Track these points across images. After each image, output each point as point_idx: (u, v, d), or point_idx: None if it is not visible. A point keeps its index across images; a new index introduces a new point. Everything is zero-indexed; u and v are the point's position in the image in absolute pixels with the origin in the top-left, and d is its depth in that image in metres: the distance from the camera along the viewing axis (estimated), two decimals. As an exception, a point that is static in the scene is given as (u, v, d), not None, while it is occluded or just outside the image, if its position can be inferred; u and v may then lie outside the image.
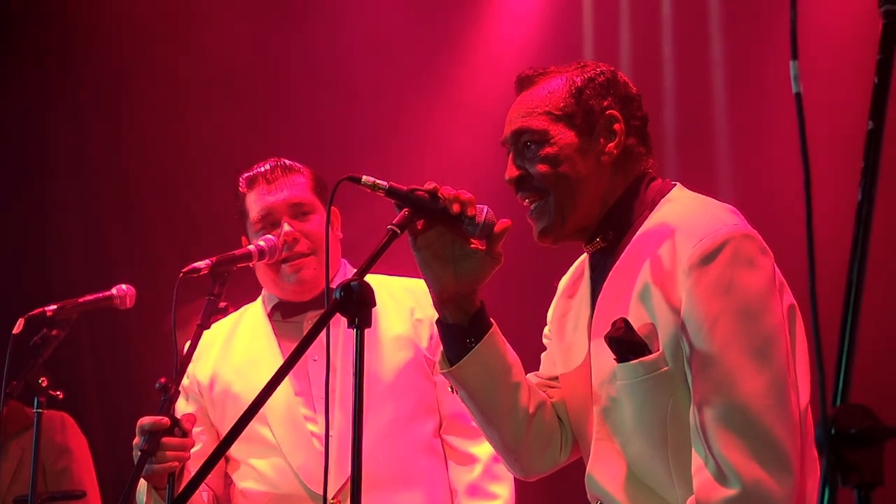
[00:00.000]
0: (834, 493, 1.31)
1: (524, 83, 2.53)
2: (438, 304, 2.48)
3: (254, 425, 3.20)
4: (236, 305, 3.58)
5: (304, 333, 2.28)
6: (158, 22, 6.47)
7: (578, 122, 2.43)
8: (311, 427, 3.25)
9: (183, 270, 3.18)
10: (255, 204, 3.37)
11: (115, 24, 6.54)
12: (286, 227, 3.30)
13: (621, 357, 2.32)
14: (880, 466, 1.30)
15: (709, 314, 2.23)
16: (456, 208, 2.36)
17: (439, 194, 2.37)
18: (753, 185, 5.62)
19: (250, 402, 2.23)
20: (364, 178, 2.36)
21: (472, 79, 6.29)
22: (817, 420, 1.34)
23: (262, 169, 3.40)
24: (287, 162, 3.44)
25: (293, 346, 2.35)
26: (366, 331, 2.98)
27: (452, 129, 6.14)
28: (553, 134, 2.43)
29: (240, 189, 3.43)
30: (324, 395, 2.89)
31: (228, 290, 3.22)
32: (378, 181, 2.36)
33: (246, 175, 3.43)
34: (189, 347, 3.16)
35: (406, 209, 2.36)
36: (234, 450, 3.31)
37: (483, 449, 3.31)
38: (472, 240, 2.41)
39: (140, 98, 6.50)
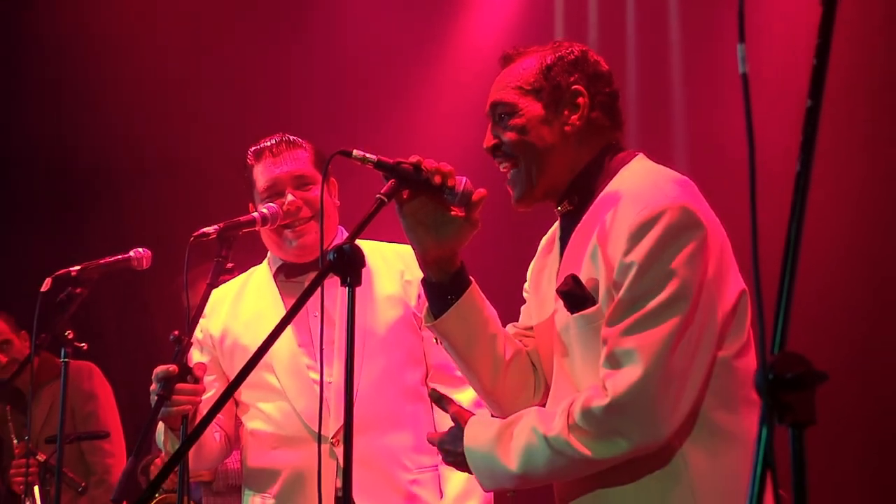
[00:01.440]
0: (771, 430, 1.33)
1: (505, 61, 2.53)
2: (423, 264, 2.50)
3: (262, 373, 3.22)
4: (243, 268, 3.59)
5: (307, 286, 2.28)
6: (169, 11, 6.47)
7: (545, 96, 2.43)
8: (312, 375, 3.24)
9: (193, 235, 3.18)
10: (261, 175, 3.36)
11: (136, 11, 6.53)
12: (289, 197, 3.29)
13: (571, 309, 2.35)
14: (812, 407, 1.31)
15: (635, 273, 2.24)
16: (437, 179, 2.37)
17: (422, 167, 2.38)
18: (707, 152, 5.66)
19: (255, 351, 2.23)
20: (355, 151, 2.37)
21: (454, 64, 6.31)
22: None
23: (269, 143, 3.38)
24: (291, 137, 3.42)
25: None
26: (361, 290, 2.99)
27: (437, 108, 6.16)
28: (521, 106, 2.43)
29: (248, 161, 3.41)
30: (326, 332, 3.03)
31: (235, 254, 3.24)
32: (367, 155, 2.37)
33: (254, 148, 3.41)
34: (199, 304, 3.17)
35: (392, 180, 2.37)
36: (244, 395, 3.33)
37: (465, 395, 3.30)
38: (452, 207, 2.42)
39: (152, 80, 6.48)
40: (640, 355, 2.19)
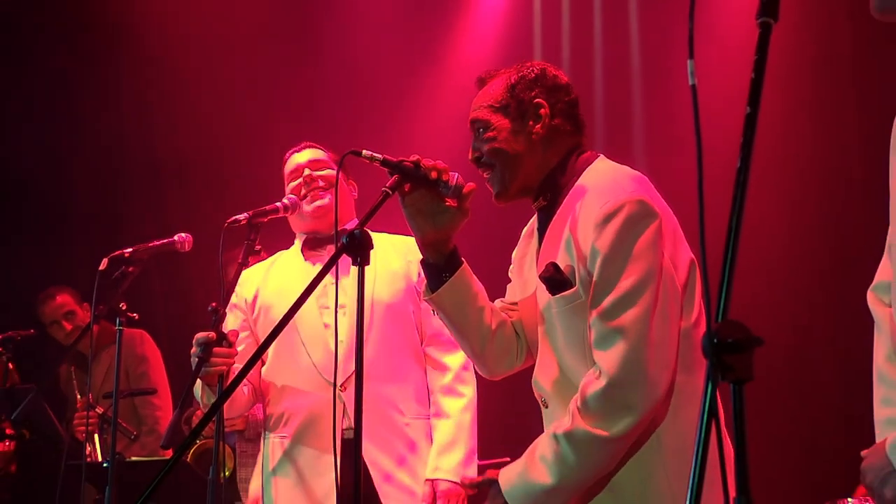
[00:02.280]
0: (715, 386, 1.33)
1: (480, 83, 2.54)
2: (422, 247, 2.50)
3: (287, 331, 3.23)
4: (269, 252, 3.61)
5: (325, 263, 2.30)
6: (201, 19, 6.46)
7: (512, 111, 2.44)
8: (327, 334, 3.27)
9: (227, 221, 3.20)
10: (288, 164, 3.49)
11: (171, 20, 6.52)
12: (306, 172, 3.40)
13: (552, 291, 2.35)
14: (750, 366, 1.31)
15: (604, 259, 2.25)
16: (434, 175, 2.38)
17: (421, 164, 2.38)
18: (662, 150, 5.67)
19: (283, 314, 2.24)
20: (364, 151, 2.38)
21: (448, 77, 6.31)
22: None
23: (300, 145, 3.54)
24: (315, 145, 3.54)
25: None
26: (372, 267, 3.08)
27: (434, 114, 6.16)
28: (493, 122, 2.44)
29: (284, 159, 3.53)
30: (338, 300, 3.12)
31: (262, 239, 3.27)
32: (374, 154, 2.38)
33: (288, 153, 3.54)
34: (232, 280, 3.21)
35: (396, 175, 2.38)
36: (270, 350, 3.34)
37: (455, 359, 3.34)
38: (446, 199, 2.42)
39: (186, 87, 6.48)
40: (624, 333, 2.21)
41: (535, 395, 2.48)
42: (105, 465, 3.57)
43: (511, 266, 2.68)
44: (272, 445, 3.33)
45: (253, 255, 3.32)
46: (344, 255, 2.28)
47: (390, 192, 2.36)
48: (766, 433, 5.12)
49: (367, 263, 2.31)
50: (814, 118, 5.53)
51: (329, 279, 3.07)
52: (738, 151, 1.43)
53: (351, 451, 2.96)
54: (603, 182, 2.37)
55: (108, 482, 3.40)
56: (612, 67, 6.17)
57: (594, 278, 2.26)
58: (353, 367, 2.90)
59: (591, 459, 2.24)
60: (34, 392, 4.35)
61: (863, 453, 1.81)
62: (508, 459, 3.62)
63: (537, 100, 2.45)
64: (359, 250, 2.27)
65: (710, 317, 1.36)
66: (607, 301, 2.24)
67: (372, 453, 3.15)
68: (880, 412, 1.87)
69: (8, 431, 4.60)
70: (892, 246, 1.87)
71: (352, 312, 3.26)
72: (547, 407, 2.43)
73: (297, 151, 3.51)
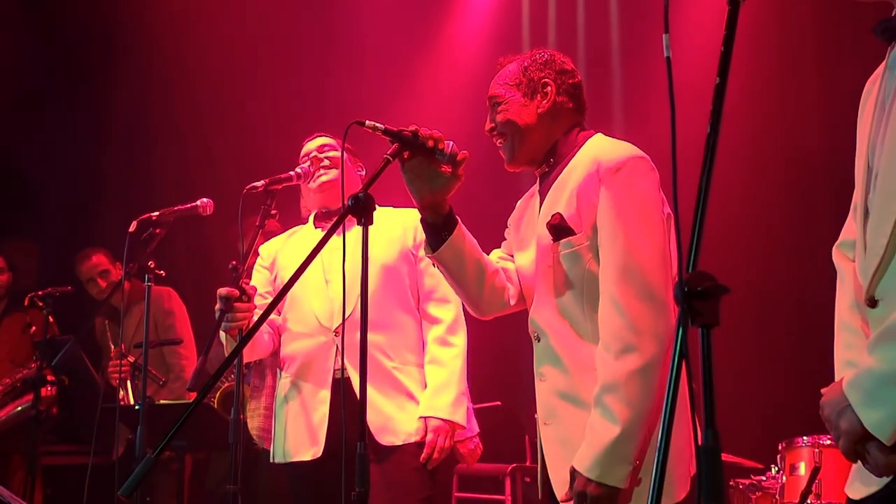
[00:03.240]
0: (685, 330, 1.34)
1: (499, 66, 2.62)
2: (421, 209, 2.50)
3: (296, 287, 3.26)
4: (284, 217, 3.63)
5: (332, 223, 2.34)
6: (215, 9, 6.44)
7: (524, 88, 2.53)
8: (328, 287, 3.31)
9: (246, 187, 3.21)
10: (302, 151, 3.50)
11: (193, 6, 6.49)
12: (314, 154, 3.44)
13: (556, 237, 2.41)
14: (717, 312, 1.32)
15: (615, 205, 2.33)
16: (430, 143, 2.38)
17: (419, 133, 2.38)
18: (640, 130, 5.66)
19: (294, 272, 2.25)
20: (367, 122, 2.38)
21: (445, 60, 6.29)
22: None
23: (315, 134, 3.56)
24: (325, 134, 3.56)
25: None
26: (374, 233, 3.09)
27: (433, 91, 6.15)
28: (507, 97, 2.53)
29: (302, 143, 3.55)
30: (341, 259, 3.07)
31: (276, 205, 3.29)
32: (377, 124, 2.38)
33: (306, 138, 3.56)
34: (250, 241, 3.22)
35: (396, 144, 2.38)
36: (285, 304, 3.42)
37: (447, 313, 3.37)
38: (442, 165, 2.42)
39: (209, 68, 6.46)
40: (638, 272, 2.27)
41: (530, 330, 2.52)
42: (136, 407, 3.59)
43: (507, 228, 2.72)
44: (282, 383, 3.39)
45: (269, 219, 3.34)
46: (350, 217, 2.30)
47: (391, 159, 2.37)
48: (730, 376, 5.15)
49: (371, 223, 2.32)
50: (777, 79, 5.52)
51: (337, 242, 3.11)
52: (709, 118, 1.43)
53: (340, 387, 3.12)
54: (605, 147, 2.46)
55: (139, 422, 3.42)
56: (592, 52, 6.16)
57: (604, 223, 2.33)
58: (346, 314, 3.02)
59: (641, 388, 2.22)
60: (72, 342, 4.37)
61: (822, 390, 1.80)
62: (500, 403, 3.64)
63: (546, 80, 2.53)
64: (363, 211, 2.29)
65: (681, 267, 1.37)
66: (621, 244, 2.30)
67: (364, 391, 3.15)
68: (841, 354, 1.87)
69: (49, 378, 4.60)
70: (856, 207, 1.85)
71: (350, 269, 3.28)
72: (539, 341, 2.47)
73: (310, 140, 3.54)
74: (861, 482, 1.77)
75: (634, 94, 5.93)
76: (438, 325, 3.36)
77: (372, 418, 3.13)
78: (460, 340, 3.36)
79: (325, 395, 3.21)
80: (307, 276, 3.27)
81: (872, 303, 1.75)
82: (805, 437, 4.11)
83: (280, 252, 3.52)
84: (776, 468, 4.22)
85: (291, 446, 3.29)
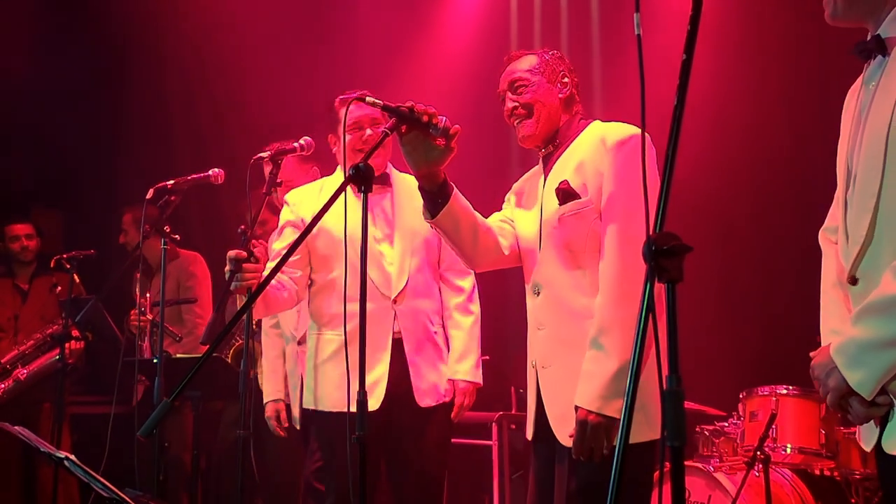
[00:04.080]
0: (653, 285, 1.36)
1: (512, 58, 2.68)
2: (418, 178, 2.52)
3: (335, 244, 3.25)
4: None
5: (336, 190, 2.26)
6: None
7: (547, 76, 2.63)
8: (381, 258, 3.29)
9: (254, 157, 3.20)
10: (350, 114, 3.26)
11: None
12: (368, 132, 3.30)
13: (563, 201, 2.51)
14: (681, 269, 1.34)
15: (620, 174, 2.45)
16: (425, 118, 2.38)
17: (415, 109, 2.38)
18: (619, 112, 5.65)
19: (309, 225, 2.22)
20: (368, 97, 2.41)
21: (439, 45, 6.26)
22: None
23: (360, 93, 3.31)
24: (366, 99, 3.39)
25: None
26: (408, 205, 3.28)
27: (428, 71, 6.12)
28: (533, 80, 2.62)
29: (335, 105, 3.38)
30: (387, 231, 3.28)
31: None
32: (376, 100, 2.40)
33: (341, 97, 3.37)
34: (257, 208, 3.20)
35: (394, 119, 2.39)
36: (323, 260, 3.32)
37: (467, 283, 3.48)
38: (436, 138, 2.41)
39: (219, 49, 6.41)
40: (637, 238, 2.28)
41: (529, 287, 2.61)
42: (154, 360, 3.60)
43: (509, 195, 2.81)
44: (325, 341, 3.32)
45: (274, 187, 3.31)
46: (391, 196, 2.34)
47: (389, 132, 2.39)
48: (698, 332, 5.17)
49: (371, 191, 2.31)
50: (743, 59, 5.50)
51: (379, 213, 3.31)
52: (676, 92, 1.44)
53: (397, 349, 3.21)
54: (610, 126, 2.58)
55: (157, 374, 3.44)
56: (576, 45, 6.13)
57: (611, 189, 2.44)
58: (402, 283, 3.21)
59: (627, 335, 2.33)
60: (94, 301, 4.37)
61: (811, 354, 1.96)
62: (488, 357, 3.65)
63: (564, 72, 2.64)
64: (363, 180, 2.28)
65: (648, 227, 1.38)
66: (622, 208, 2.41)
67: (412, 354, 3.27)
68: (827, 324, 2.03)
69: (74, 333, 4.61)
70: (838, 198, 2.00)
71: (399, 240, 3.33)
72: (538, 295, 2.56)
73: (359, 104, 3.21)
74: (870, 434, 1.93)
75: (613, 79, 5.90)
76: (461, 294, 3.44)
77: (417, 384, 3.25)
78: (477, 308, 3.47)
79: (380, 356, 3.22)
80: (355, 244, 3.21)
81: (853, 281, 1.91)
82: (763, 387, 4.15)
83: (315, 204, 3.40)
84: (738, 415, 4.26)
85: (341, 397, 3.23)
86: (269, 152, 3.21)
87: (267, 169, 3.40)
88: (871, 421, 1.89)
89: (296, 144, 3.29)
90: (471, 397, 3.37)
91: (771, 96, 5.46)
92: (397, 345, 3.23)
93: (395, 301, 3.25)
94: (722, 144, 5.52)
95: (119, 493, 2.62)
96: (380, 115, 3.32)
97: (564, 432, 2.40)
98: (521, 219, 2.68)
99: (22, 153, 6.16)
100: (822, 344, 1.97)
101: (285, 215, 3.43)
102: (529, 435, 2.56)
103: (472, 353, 3.39)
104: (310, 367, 3.36)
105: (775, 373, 4.49)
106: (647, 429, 2.35)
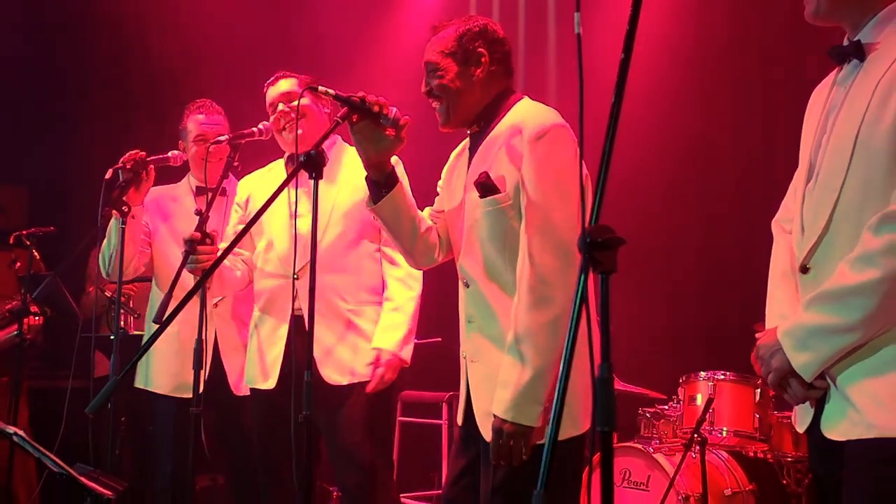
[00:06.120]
0: (586, 276, 1.35)
1: (434, 30, 2.52)
2: (366, 166, 2.47)
3: (266, 230, 3.29)
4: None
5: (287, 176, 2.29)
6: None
7: (459, 57, 2.44)
8: (290, 234, 3.22)
9: (211, 142, 3.15)
10: (267, 96, 3.35)
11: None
12: (280, 106, 3.28)
13: (483, 195, 2.36)
14: (614, 261, 1.33)
15: (536, 170, 2.28)
16: (376, 108, 2.35)
17: (366, 99, 2.35)
18: (572, 90, 5.66)
19: (257, 212, 2.24)
20: (320, 87, 2.37)
21: (397, 32, 6.22)
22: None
23: (275, 77, 3.38)
24: (290, 73, 3.39)
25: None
26: (341, 181, 3.20)
27: (383, 64, 6.09)
28: (443, 64, 2.45)
29: (263, 90, 3.39)
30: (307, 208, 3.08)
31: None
32: (328, 90, 2.37)
33: (267, 81, 3.39)
34: (214, 190, 3.18)
35: (346, 108, 2.36)
36: (258, 244, 3.36)
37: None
38: (386, 128, 2.39)
39: (184, 35, 6.29)
40: (555, 229, 2.25)
41: (459, 277, 2.49)
42: (111, 337, 3.54)
43: (440, 181, 2.67)
44: (255, 316, 3.36)
45: (232, 170, 3.28)
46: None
47: (340, 121, 2.36)
48: (640, 320, 5.21)
49: (321, 177, 2.31)
50: (692, 55, 5.53)
51: (302, 192, 3.19)
52: (614, 90, 1.43)
53: (299, 326, 3.03)
54: (531, 113, 2.39)
55: (113, 350, 3.38)
56: (532, 25, 6.12)
57: (526, 185, 2.28)
58: (306, 259, 2.96)
59: (546, 337, 2.22)
60: (52, 276, 4.29)
61: (757, 335, 2.00)
62: (440, 339, 3.62)
63: (480, 49, 2.45)
64: (314, 167, 2.28)
65: (583, 220, 1.37)
66: (539, 206, 2.26)
67: (317, 330, 3.14)
68: (774, 309, 2.04)
69: (33, 309, 4.51)
70: (797, 190, 2.01)
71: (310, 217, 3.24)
72: (468, 286, 2.44)
73: (273, 84, 3.36)
74: (804, 417, 1.95)
75: (570, 73, 5.90)
76: (398, 269, 3.28)
77: (320, 358, 3.12)
78: (418, 286, 3.29)
79: (283, 332, 3.17)
80: (275, 218, 3.25)
81: (805, 270, 1.93)
82: (702, 373, 4.19)
83: (254, 192, 3.42)
84: (677, 399, 4.30)
85: (258, 374, 3.26)
86: (226, 137, 3.17)
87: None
88: (807, 403, 1.91)
89: (254, 129, 3.27)
90: (392, 372, 3.16)
91: (716, 98, 5.51)
92: (298, 321, 3.06)
93: (297, 276, 3.09)
94: (668, 142, 5.56)
95: (68, 468, 2.57)
96: (296, 92, 3.29)
97: (488, 429, 2.29)
98: (448, 206, 2.57)
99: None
100: (767, 327, 2.00)
101: (235, 199, 3.46)
102: (460, 420, 2.51)
103: (402, 326, 3.21)
104: (250, 339, 3.38)
105: (713, 359, 4.54)
106: (569, 425, 2.27)
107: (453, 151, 2.66)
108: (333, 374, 3.16)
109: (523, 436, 2.20)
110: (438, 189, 2.68)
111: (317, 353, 3.09)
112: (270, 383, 3.19)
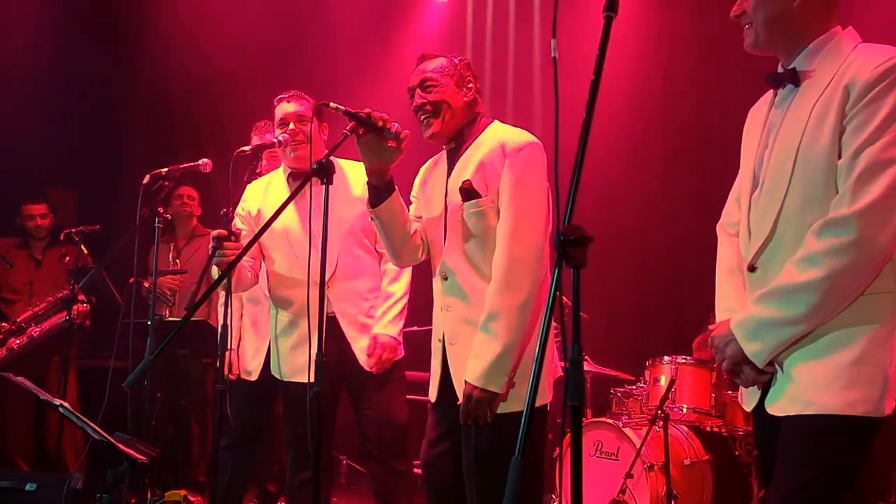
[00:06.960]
0: (560, 271, 1.34)
1: (424, 59, 2.54)
2: (369, 174, 2.47)
3: (278, 237, 3.20)
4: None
5: (298, 184, 2.27)
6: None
7: (455, 78, 2.49)
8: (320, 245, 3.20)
9: (236, 151, 3.13)
10: (278, 110, 3.29)
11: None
12: (291, 126, 3.24)
13: (465, 199, 2.40)
14: (585, 258, 1.33)
15: (514, 178, 2.34)
16: (380, 123, 2.35)
17: (372, 115, 2.35)
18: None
19: (266, 221, 2.22)
20: (332, 104, 2.36)
21: (398, 59, 6.21)
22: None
23: (287, 94, 3.32)
24: (301, 93, 3.34)
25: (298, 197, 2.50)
26: (343, 192, 3.10)
27: (387, 83, 6.07)
28: (442, 81, 2.48)
29: (274, 104, 3.33)
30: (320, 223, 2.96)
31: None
32: (339, 106, 2.35)
33: (278, 97, 3.33)
34: (239, 193, 3.16)
35: (353, 122, 2.35)
36: (270, 250, 3.27)
37: None
38: (388, 141, 2.38)
39: (210, 53, 6.27)
40: (525, 236, 2.31)
41: (438, 272, 2.50)
42: (148, 322, 3.53)
43: (413, 192, 2.67)
44: (280, 318, 3.27)
45: (254, 176, 3.27)
46: (316, 185, 2.28)
47: (349, 134, 2.36)
48: (612, 310, 5.21)
49: (332, 183, 2.31)
50: (659, 66, 5.52)
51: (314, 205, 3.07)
52: (585, 106, 1.43)
53: (332, 326, 3.09)
54: (509, 132, 2.44)
55: (149, 334, 3.37)
56: (520, 53, 6.11)
57: (506, 191, 2.34)
58: (331, 270, 3.03)
59: (511, 321, 2.27)
60: (96, 268, 4.28)
61: (710, 327, 1.99)
62: (430, 327, 3.57)
63: (469, 77, 2.51)
64: (325, 174, 2.29)
65: (557, 220, 1.36)
66: (515, 209, 2.32)
67: (346, 327, 3.16)
68: (722, 304, 2.03)
69: (80, 297, 4.51)
70: (741, 199, 2.02)
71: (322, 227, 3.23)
72: (447, 279, 2.45)
73: (287, 101, 3.29)
74: (751, 397, 1.97)
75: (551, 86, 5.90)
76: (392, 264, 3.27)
77: (357, 351, 3.15)
78: (407, 276, 3.30)
79: (317, 332, 3.10)
80: (293, 229, 3.21)
81: (752, 269, 1.93)
82: (666, 357, 4.19)
83: (262, 199, 3.36)
84: (644, 380, 4.30)
85: (289, 370, 3.21)
86: (250, 147, 3.16)
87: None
88: (755, 386, 1.92)
89: (275, 140, 3.25)
90: (392, 352, 3.18)
91: (682, 102, 5.52)
92: (332, 322, 3.06)
93: (328, 286, 3.07)
94: (639, 146, 5.55)
95: (108, 436, 2.56)
96: (307, 113, 3.25)
97: None
98: (426, 212, 2.57)
99: (42, 141, 6.00)
100: (717, 320, 2.00)
101: (237, 211, 3.38)
102: (433, 398, 2.52)
103: (390, 311, 3.22)
104: (272, 341, 3.30)
105: (674, 345, 4.54)
106: (539, 397, 2.32)
107: (423, 166, 2.67)
108: (368, 361, 3.19)
109: (490, 401, 2.26)
110: (412, 199, 2.69)
111: (354, 347, 3.15)
112: (306, 377, 3.13)
